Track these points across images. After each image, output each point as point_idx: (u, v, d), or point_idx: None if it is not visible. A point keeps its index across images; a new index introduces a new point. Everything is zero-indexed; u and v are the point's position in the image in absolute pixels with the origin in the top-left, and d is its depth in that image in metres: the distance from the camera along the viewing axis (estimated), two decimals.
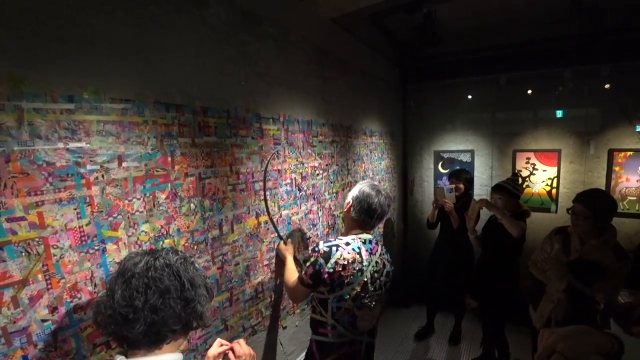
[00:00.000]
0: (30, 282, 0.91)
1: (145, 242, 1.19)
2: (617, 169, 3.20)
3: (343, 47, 2.55)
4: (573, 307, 1.77)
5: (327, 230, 2.37)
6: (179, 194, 1.31)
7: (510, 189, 2.39)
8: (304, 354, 2.17)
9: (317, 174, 2.23)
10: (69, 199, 0.98)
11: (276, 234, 1.84)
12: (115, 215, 1.10)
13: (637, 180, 3.13)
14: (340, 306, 1.39)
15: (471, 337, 3.19)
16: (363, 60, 2.90)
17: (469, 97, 3.78)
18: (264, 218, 1.77)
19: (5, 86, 0.85)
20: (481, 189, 3.79)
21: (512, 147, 3.66)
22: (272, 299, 1.87)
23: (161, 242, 1.24)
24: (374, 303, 1.46)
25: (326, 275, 1.34)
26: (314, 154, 2.18)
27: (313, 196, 2.19)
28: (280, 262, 1.85)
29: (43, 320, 0.93)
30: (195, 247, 1.39)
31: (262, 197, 1.75)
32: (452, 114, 3.94)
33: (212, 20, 1.44)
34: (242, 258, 1.64)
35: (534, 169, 3.56)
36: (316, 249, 1.40)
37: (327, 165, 2.34)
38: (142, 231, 1.18)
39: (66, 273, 0.98)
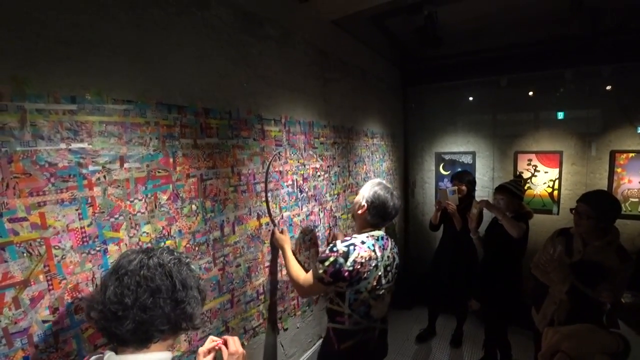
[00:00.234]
0: (32, 283, 0.91)
1: (147, 243, 1.19)
2: (619, 170, 3.19)
3: (344, 49, 2.56)
4: (576, 308, 1.76)
5: (327, 231, 2.36)
6: (181, 195, 1.31)
7: (512, 190, 2.39)
8: (304, 355, 2.17)
9: (319, 176, 2.23)
10: (71, 200, 0.98)
11: (270, 221, 1.79)
12: (116, 216, 1.10)
13: (639, 182, 3.12)
14: (357, 298, 1.48)
15: (473, 339, 3.17)
16: (364, 62, 2.91)
17: (470, 98, 3.77)
18: (265, 219, 1.77)
19: (8, 87, 0.86)
20: (482, 190, 3.78)
21: (513, 149, 3.65)
22: (273, 300, 1.87)
23: (162, 243, 1.24)
24: (386, 293, 1.58)
25: (346, 274, 1.41)
26: (315, 156, 2.18)
27: (314, 198, 2.19)
28: (275, 250, 1.82)
29: (44, 321, 0.93)
30: (197, 248, 1.39)
31: (263, 199, 1.75)
32: (453, 116, 3.94)
33: (214, 22, 1.44)
34: (244, 259, 1.64)
35: (535, 170, 3.55)
36: (334, 249, 1.45)
37: (328, 166, 2.34)
38: (144, 232, 1.18)
39: (67, 274, 0.98)
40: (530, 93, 3.43)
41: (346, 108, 2.60)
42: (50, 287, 0.95)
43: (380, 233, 1.56)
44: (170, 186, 1.27)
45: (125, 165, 1.12)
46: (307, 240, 2.15)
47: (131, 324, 0.75)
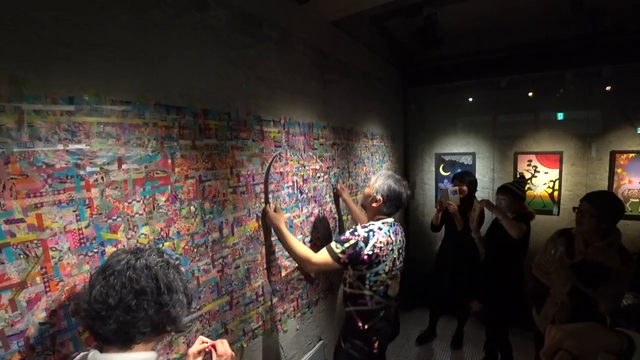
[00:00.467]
0: (29, 285, 0.90)
1: (141, 245, 1.18)
2: (619, 170, 3.19)
3: (344, 50, 2.55)
4: (577, 309, 1.75)
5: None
6: (179, 196, 1.30)
7: (514, 191, 2.38)
8: (304, 357, 2.16)
9: (319, 177, 2.23)
10: (68, 201, 0.97)
11: (264, 199, 1.75)
12: (114, 217, 1.09)
13: None
14: (377, 280, 1.64)
15: (473, 340, 3.16)
16: (364, 63, 2.91)
17: (470, 99, 3.77)
18: (264, 221, 1.77)
19: (6, 88, 0.85)
20: (482, 191, 3.77)
21: (513, 150, 3.64)
22: (273, 302, 1.86)
23: (161, 245, 1.24)
24: (398, 273, 1.77)
25: (366, 257, 1.56)
26: (315, 157, 2.18)
27: (314, 199, 2.18)
28: (267, 229, 1.77)
29: (41, 323, 0.93)
30: (195, 249, 1.38)
31: (262, 200, 1.74)
32: (453, 117, 3.94)
33: (213, 23, 1.44)
34: (243, 261, 1.63)
35: (535, 171, 3.55)
36: (355, 233, 1.59)
37: (328, 168, 2.34)
38: (142, 234, 1.18)
39: (65, 276, 0.97)
40: (530, 94, 3.43)
41: (346, 109, 2.59)
42: (47, 289, 0.94)
43: (391, 220, 1.73)
44: (169, 187, 1.26)
45: (124, 166, 1.11)
46: (307, 242, 2.14)
47: (114, 324, 0.75)
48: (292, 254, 1.66)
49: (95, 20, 1.03)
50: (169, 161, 1.26)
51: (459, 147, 3.94)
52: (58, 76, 0.95)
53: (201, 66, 1.39)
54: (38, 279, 0.92)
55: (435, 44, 2.80)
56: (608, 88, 3.12)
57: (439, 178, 4.05)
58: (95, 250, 1.04)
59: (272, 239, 1.83)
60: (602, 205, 1.73)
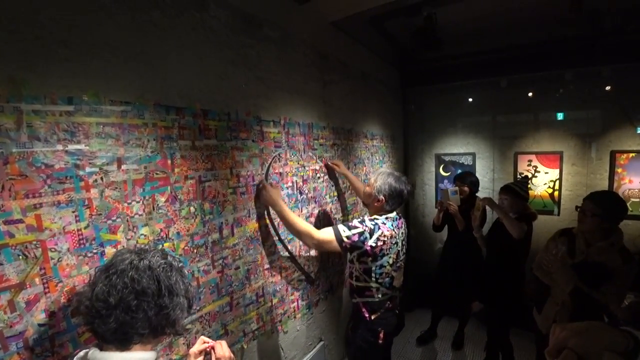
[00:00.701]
0: (28, 286, 0.90)
1: (145, 246, 1.18)
2: (619, 170, 3.18)
3: (343, 51, 2.55)
4: (578, 309, 1.75)
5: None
6: (179, 197, 1.30)
7: (517, 191, 2.38)
8: (305, 358, 2.15)
9: (318, 177, 2.22)
10: (68, 202, 0.97)
11: (264, 176, 1.73)
12: (114, 218, 1.09)
13: None
14: (382, 272, 1.72)
15: (474, 341, 3.15)
16: (363, 64, 2.90)
17: (470, 100, 3.77)
18: (264, 221, 1.76)
19: (5, 88, 0.85)
20: (482, 191, 3.76)
21: (513, 150, 3.64)
22: (273, 303, 1.85)
23: (160, 246, 1.23)
24: (402, 264, 1.85)
25: (369, 248, 1.63)
26: (315, 157, 2.18)
27: (314, 199, 2.18)
28: (259, 203, 1.71)
29: (40, 325, 0.92)
30: (195, 250, 1.38)
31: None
32: (453, 117, 3.94)
33: (213, 24, 1.44)
34: (243, 262, 1.63)
35: (535, 171, 3.55)
36: (364, 223, 1.65)
37: None
38: (142, 234, 1.17)
39: (64, 277, 0.97)
40: (530, 94, 3.43)
41: (346, 109, 2.59)
42: (47, 290, 0.93)
43: (394, 215, 1.79)
44: (169, 188, 1.26)
45: (123, 166, 1.11)
46: None
47: (113, 323, 0.76)
48: (293, 228, 1.64)
49: (95, 21, 1.03)
50: (169, 162, 1.26)
51: (459, 147, 3.94)
52: (57, 76, 0.95)
53: (201, 66, 1.39)
54: (37, 280, 0.91)
55: (435, 44, 2.79)
56: (608, 88, 3.12)
57: (439, 178, 4.05)
58: (95, 251, 1.04)
59: (273, 239, 1.83)
60: (605, 205, 1.73)
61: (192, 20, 1.35)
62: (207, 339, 1.01)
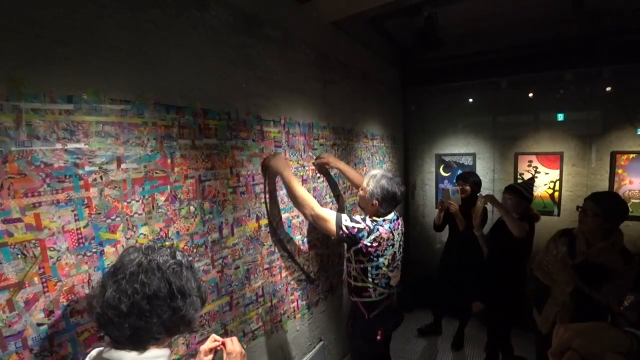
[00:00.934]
0: (26, 285, 0.89)
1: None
2: (619, 171, 3.18)
3: (344, 50, 2.55)
4: (579, 310, 1.74)
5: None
6: (179, 196, 1.30)
7: (521, 192, 2.38)
8: (304, 358, 2.15)
9: (318, 177, 2.22)
10: (67, 201, 0.97)
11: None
12: (113, 217, 1.08)
13: None
14: (379, 273, 1.75)
15: (474, 341, 3.15)
16: (364, 64, 2.90)
17: (470, 100, 3.77)
18: (264, 221, 1.76)
19: (4, 87, 0.85)
20: (483, 192, 3.75)
21: (513, 150, 3.64)
22: (273, 303, 1.85)
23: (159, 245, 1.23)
24: (400, 263, 1.88)
25: (363, 247, 1.67)
26: (315, 157, 2.17)
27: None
28: (267, 171, 1.72)
29: (39, 324, 0.92)
30: (195, 250, 1.37)
31: (262, 200, 1.74)
32: (453, 117, 3.93)
33: (213, 23, 1.44)
34: (242, 261, 1.62)
35: (536, 172, 3.54)
36: (366, 221, 1.69)
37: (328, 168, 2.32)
38: (141, 234, 1.17)
39: (63, 276, 0.97)
40: (531, 94, 3.42)
41: (346, 109, 2.59)
42: (46, 290, 0.93)
43: (392, 216, 1.80)
44: (168, 187, 1.26)
45: (122, 165, 1.10)
46: (307, 243, 2.14)
47: (128, 330, 0.75)
48: (296, 197, 1.67)
49: (95, 20, 1.02)
50: (169, 161, 1.25)
51: (459, 147, 3.94)
52: (57, 75, 0.95)
53: (201, 66, 1.39)
54: (36, 279, 0.91)
55: (435, 44, 2.79)
56: (608, 89, 3.12)
57: (439, 179, 4.04)
58: (94, 250, 1.04)
59: (273, 238, 1.82)
60: (606, 205, 1.73)
61: (193, 20, 1.34)
62: (217, 337, 1.02)
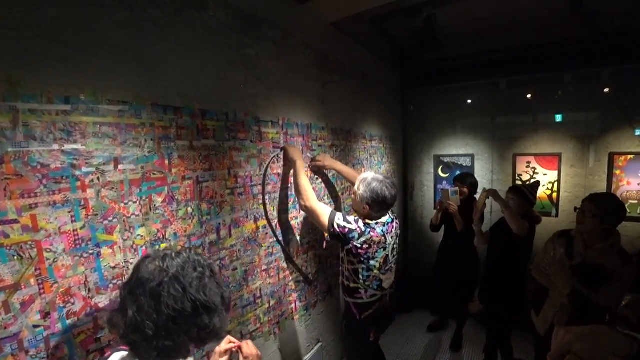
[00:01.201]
0: (23, 287, 0.89)
1: (142, 247, 1.17)
2: (617, 172, 3.19)
3: (343, 51, 2.55)
4: (577, 311, 1.74)
5: (326, 234, 2.34)
6: (176, 197, 1.29)
7: (525, 193, 2.38)
8: (304, 359, 2.15)
9: (317, 178, 2.22)
10: (64, 202, 0.96)
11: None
12: (110, 218, 1.08)
13: (639, 184, 3.12)
14: (369, 275, 1.76)
15: (473, 343, 3.15)
16: (363, 64, 2.90)
17: (469, 101, 3.77)
18: (262, 222, 1.75)
19: (1, 87, 0.84)
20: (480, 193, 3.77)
21: (512, 151, 3.64)
22: (270, 304, 1.85)
23: (157, 247, 1.22)
24: (393, 265, 1.87)
25: (353, 247, 1.68)
26: (311, 159, 2.16)
27: None
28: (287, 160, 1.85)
29: (35, 326, 0.91)
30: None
31: (260, 201, 1.73)
32: (452, 118, 3.94)
33: (212, 23, 1.43)
34: (240, 263, 1.62)
35: (534, 173, 3.55)
36: (358, 223, 1.69)
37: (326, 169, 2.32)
38: (138, 235, 1.16)
39: (59, 277, 0.96)
40: (529, 95, 3.43)
41: (345, 110, 2.59)
42: (42, 291, 0.93)
43: (386, 218, 1.79)
44: (166, 188, 1.25)
45: (120, 166, 1.10)
46: (305, 244, 2.13)
47: (155, 351, 0.74)
48: (298, 185, 1.75)
49: (93, 19, 1.02)
50: (166, 162, 1.25)
51: (457, 148, 3.94)
52: (54, 75, 0.94)
53: (199, 66, 1.38)
54: (32, 280, 0.91)
55: (434, 45, 2.80)
56: (606, 90, 3.12)
57: (437, 180, 4.05)
58: (91, 251, 1.03)
59: (271, 240, 1.82)
60: (605, 206, 1.73)
61: (191, 20, 1.34)
62: (232, 339, 1.03)
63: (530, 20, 2.95)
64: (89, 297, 1.03)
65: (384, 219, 1.78)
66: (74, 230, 0.99)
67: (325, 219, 1.70)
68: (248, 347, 1.01)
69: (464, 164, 3.88)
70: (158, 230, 1.23)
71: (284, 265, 1.94)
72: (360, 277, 1.76)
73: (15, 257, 0.87)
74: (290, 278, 2.00)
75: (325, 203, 2.30)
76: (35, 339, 0.91)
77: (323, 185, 2.29)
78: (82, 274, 1.01)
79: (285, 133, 1.90)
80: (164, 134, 1.24)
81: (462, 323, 3.16)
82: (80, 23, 0.99)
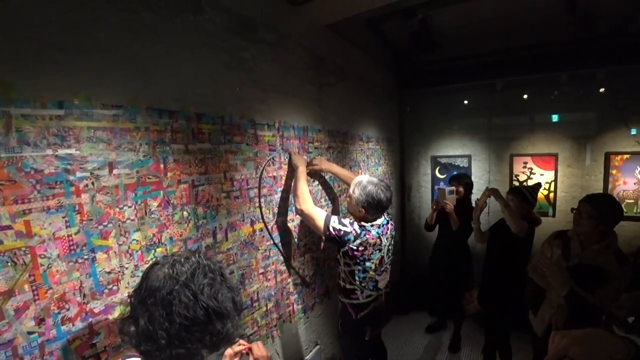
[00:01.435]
0: (17, 293, 0.88)
1: (137, 251, 1.17)
2: (614, 172, 3.20)
3: (339, 53, 2.55)
4: (574, 312, 1.74)
5: (323, 236, 2.33)
6: (172, 201, 1.29)
7: (525, 194, 2.39)
8: None
9: (313, 181, 2.22)
10: (58, 207, 0.96)
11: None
12: (105, 223, 1.07)
13: (635, 183, 3.13)
14: (365, 276, 1.78)
15: (471, 343, 3.15)
16: (359, 66, 2.91)
17: (466, 102, 3.79)
18: (259, 225, 1.75)
19: None
20: (478, 194, 3.77)
21: (509, 152, 3.65)
22: (268, 307, 1.84)
23: (153, 251, 1.22)
24: (389, 266, 1.89)
25: (349, 250, 1.70)
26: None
27: None
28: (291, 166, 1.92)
29: (29, 333, 0.91)
30: None
31: (257, 205, 1.73)
32: (448, 119, 3.95)
33: (207, 26, 1.43)
34: (237, 266, 1.62)
35: (531, 173, 3.56)
36: (354, 226, 1.71)
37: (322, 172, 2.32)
38: (134, 240, 1.16)
39: (54, 283, 0.95)
40: (526, 96, 3.45)
41: (341, 112, 2.59)
42: (36, 297, 0.92)
43: (381, 220, 1.80)
44: (161, 192, 1.25)
45: (115, 171, 1.10)
46: (302, 246, 2.13)
47: (167, 359, 0.74)
48: (296, 189, 1.79)
49: (87, 23, 1.02)
50: (161, 166, 1.25)
51: (454, 149, 3.95)
52: (48, 80, 0.94)
53: (195, 69, 1.38)
54: (26, 286, 0.90)
55: (430, 46, 2.80)
56: (602, 90, 3.14)
57: (434, 181, 4.05)
58: (86, 256, 1.03)
59: (267, 243, 1.82)
60: (601, 207, 1.73)
61: (186, 23, 1.34)
62: (242, 341, 1.03)
63: (526, 21, 2.96)
64: (84, 303, 1.02)
65: (379, 221, 1.79)
66: (68, 236, 0.98)
67: (320, 222, 1.71)
68: (259, 349, 1.01)
69: (461, 165, 3.89)
70: (154, 235, 1.22)
71: (281, 268, 1.93)
72: (357, 278, 1.77)
73: (9, 263, 0.87)
74: (288, 281, 2.00)
75: (322, 205, 2.30)
76: (29, 345, 0.91)
77: (320, 187, 2.29)
78: (77, 280, 1.01)
79: (281, 136, 1.90)
80: (159, 138, 1.24)
81: (459, 323, 3.16)
82: (73, 27, 0.98)
